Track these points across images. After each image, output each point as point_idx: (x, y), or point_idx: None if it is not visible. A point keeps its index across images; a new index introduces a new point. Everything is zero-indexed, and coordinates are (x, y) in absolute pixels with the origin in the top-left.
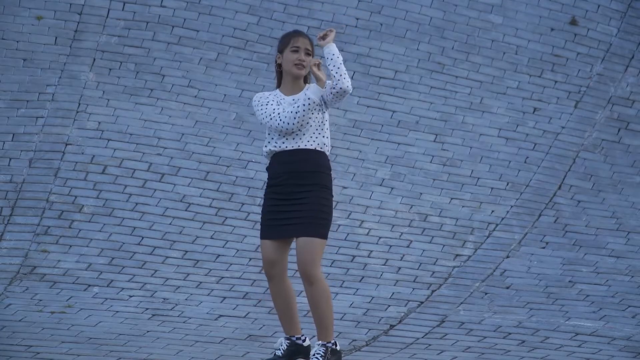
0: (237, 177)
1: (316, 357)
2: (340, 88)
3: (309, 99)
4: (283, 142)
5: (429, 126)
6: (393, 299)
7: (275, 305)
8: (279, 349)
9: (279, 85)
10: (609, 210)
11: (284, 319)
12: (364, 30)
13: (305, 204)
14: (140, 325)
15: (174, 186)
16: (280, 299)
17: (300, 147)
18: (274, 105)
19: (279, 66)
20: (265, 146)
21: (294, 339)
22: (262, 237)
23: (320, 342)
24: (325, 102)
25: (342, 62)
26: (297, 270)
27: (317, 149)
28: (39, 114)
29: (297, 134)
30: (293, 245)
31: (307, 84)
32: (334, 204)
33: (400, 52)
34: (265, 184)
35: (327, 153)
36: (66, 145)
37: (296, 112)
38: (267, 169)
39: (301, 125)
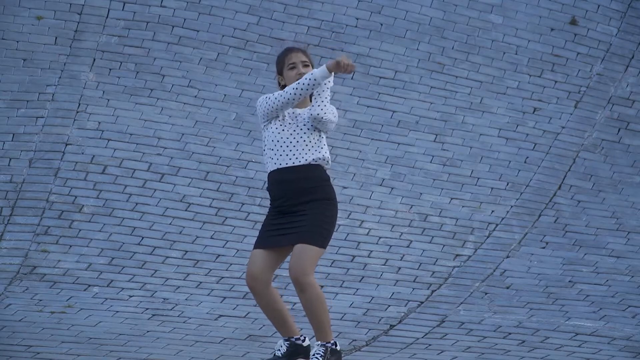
0: (237, 177)
1: (316, 357)
2: (318, 114)
3: (311, 73)
4: (277, 159)
5: (429, 126)
6: (393, 299)
7: (265, 314)
8: (279, 350)
9: None
10: (609, 210)
11: (277, 324)
12: (364, 30)
13: (305, 214)
14: (140, 325)
15: (174, 186)
16: (268, 309)
17: (294, 165)
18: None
19: (282, 87)
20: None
21: (293, 339)
22: (255, 246)
23: (320, 342)
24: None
25: (328, 93)
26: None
27: (311, 163)
28: (39, 114)
29: (291, 150)
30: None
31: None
32: None
33: (400, 52)
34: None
35: (325, 166)
36: (66, 145)
37: (293, 86)
38: (268, 190)
39: (298, 99)
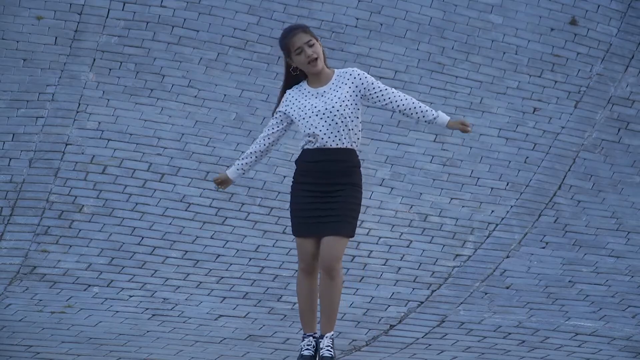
0: None
1: (328, 350)
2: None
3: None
4: (316, 139)
5: (429, 126)
6: (393, 299)
7: (306, 301)
8: (308, 348)
9: (288, 86)
10: (609, 210)
11: (309, 316)
12: (364, 30)
13: (337, 202)
14: (140, 325)
15: (174, 186)
16: (311, 295)
17: (332, 147)
18: (306, 102)
19: (295, 69)
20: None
21: (317, 335)
22: (299, 234)
23: (328, 334)
24: (365, 97)
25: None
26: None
27: (347, 147)
28: (39, 114)
29: (331, 132)
30: None
31: (333, 70)
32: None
33: (400, 52)
34: (293, 179)
35: (357, 149)
36: (66, 145)
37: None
38: (296, 162)
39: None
